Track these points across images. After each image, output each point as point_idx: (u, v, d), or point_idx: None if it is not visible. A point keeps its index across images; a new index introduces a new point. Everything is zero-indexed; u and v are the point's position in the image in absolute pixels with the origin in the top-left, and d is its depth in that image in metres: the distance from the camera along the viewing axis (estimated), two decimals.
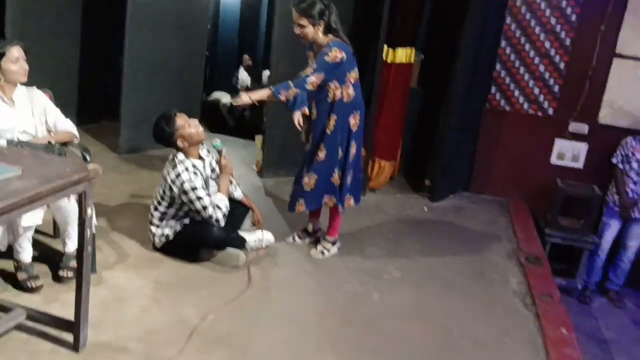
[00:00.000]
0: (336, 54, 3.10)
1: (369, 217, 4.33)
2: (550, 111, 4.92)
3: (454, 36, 4.58)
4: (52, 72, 4.76)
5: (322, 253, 3.51)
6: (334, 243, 3.56)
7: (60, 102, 3.11)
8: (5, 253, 2.76)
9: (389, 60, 4.61)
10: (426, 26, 4.97)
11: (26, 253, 2.74)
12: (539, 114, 4.95)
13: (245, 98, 3.13)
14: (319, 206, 3.47)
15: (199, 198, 3.05)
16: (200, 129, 3.18)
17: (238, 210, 3.42)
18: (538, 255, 3.96)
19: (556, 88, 4.86)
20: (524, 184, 5.06)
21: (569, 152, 4.94)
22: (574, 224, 4.74)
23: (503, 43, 4.86)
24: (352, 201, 3.48)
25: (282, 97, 3.10)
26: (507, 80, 4.94)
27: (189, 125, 3.11)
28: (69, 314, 2.37)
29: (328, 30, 3.17)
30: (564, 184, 4.75)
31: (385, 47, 4.51)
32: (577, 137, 4.90)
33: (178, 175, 3.05)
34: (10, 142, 2.62)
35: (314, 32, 3.13)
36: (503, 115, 5.03)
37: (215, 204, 3.09)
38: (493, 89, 4.98)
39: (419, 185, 5.07)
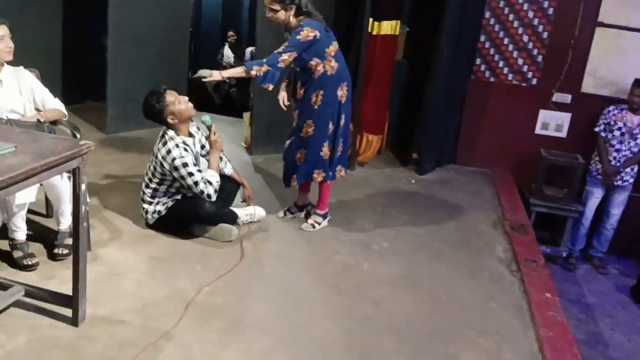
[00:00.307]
0: (308, 33, 3.14)
1: (358, 190, 4.40)
2: (534, 81, 4.99)
3: (438, 8, 4.60)
4: (34, 52, 4.70)
5: (313, 226, 3.58)
6: (324, 216, 3.63)
7: (44, 82, 3.09)
8: (1, 232, 2.79)
9: (374, 33, 4.63)
10: None
11: (21, 232, 2.77)
12: (524, 84, 5.02)
13: (216, 75, 3.21)
14: (309, 180, 3.52)
15: (190, 174, 3.08)
16: (190, 105, 3.20)
17: (229, 186, 3.46)
18: (523, 223, 4.06)
19: (540, 58, 4.92)
20: (509, 155, 5.14)
21: (552, 122, 5.02)
22: (558, 193, 4.85)
23: (487, 14, 4.90)
24: (343, 172, 3.56)
25: (254, 72, 3.13)
26: (492, 51, 4.99)
27: (179, 102, 3.13)
28: (66, 290, 2.42)
29: (299, 13, 3.20)
30: (547, 153, 4.84)
31: (371, 20, 4.52)
32: (560, 107, 4.98)
33: (169, 152, 3.08)
34: None
35: (286, 15, 3.18)
36: (488, 86, 5.08)
37: (206, 180, 3.12)
38: (478, 60, 5.03)
39: (406, 158, 5.13)
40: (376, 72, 4.74)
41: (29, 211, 2.94)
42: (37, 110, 2.92)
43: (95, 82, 5.31)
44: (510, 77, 5.02)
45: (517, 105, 5.06)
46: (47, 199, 3.15)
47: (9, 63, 2.86)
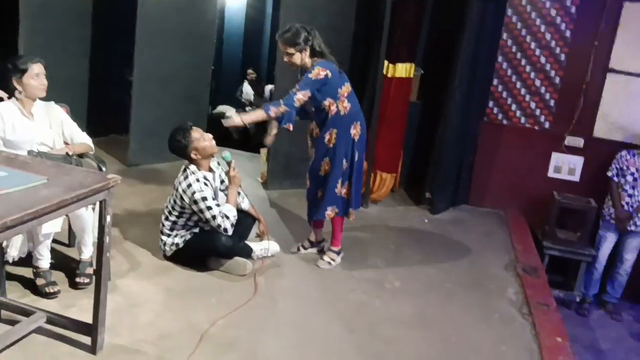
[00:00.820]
0: (319, 72, 3.28)
1: (371, 228, 4.46)
2: (547, 125, 5.07)
3: (451, 52, 4.74)
4: (63, 87, 4.88)
5: (329, 263, 3.64)
6: (338, 253, 3.69)
7: (71, 115, 3.25)
8: (25, 260, 2.89)
9: (389, 75, 4.77)
10: (425, 41, 5.15)
11: (45, 260, 2.87)
12: (536, 127, 5.10)
13: (237, 120, 3.30)
14: (323, 218, 3.59)
15: (208, 208, 3.18)
16: (213, 142, 3.33)
17: (245, 220, 3.55)
18: (535, 266, 4.07)
19: (552, 102, 5.01)
20: (522, 197, 5.19)
21: (565, 165, 5.08)
22: (571, 237, 4.86)
23: (500, 58, 5.02)
24: (353, 215, 3.66)
25: (272, 114, 3.26)
26: (505, 94, 5.10)
27: (203, 139, 3.26)
28: (85, 318, 2.49)
29: (313, 54, 3.35)
30: (560, 196, 4.88)
31: (386, 62, 4.67)
32: (573, 150, 5.04)
33: (189, 186, 3.18)
34: (30, 153, 2.76)
35: (301, 58, 3.33)
36: (501, 129, 5.17)
37: (224, 214, 3.22)
38: (491, 103, 5.14)
39: (420, 197, 5.20)
40: (390, 113, 4.85)
41: (53, 240, 3.04)
42: (66, 143, 3.06)
43: (119, 116, 5.50)
44: (522, 120, 5.11)
45: (529, 147, 5.13)
46: (70, 229, 3.25)
47: (42, 98, 3.02)
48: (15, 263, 2.86)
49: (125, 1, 5.07)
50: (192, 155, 3.26)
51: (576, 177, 5.07)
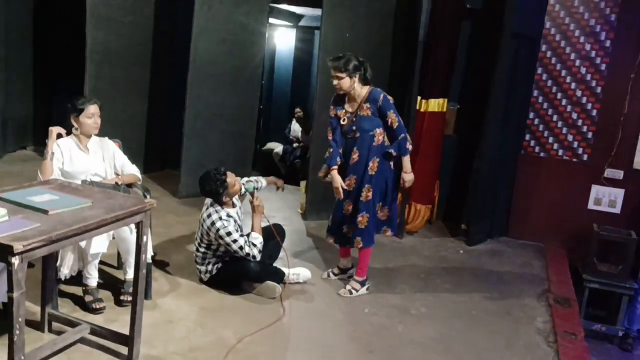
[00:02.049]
0: (391, 98, 3.56)
1: (404, 257, 4.58)
2: (585, 157, 5.05)
3: (487, 85, 4.87)
4: (124, 125, 5.41)
5: (350, 292, 3.74)
6: (362, 283, 3.78)
7: (129, 151, 3.63)
8: (76, 279, 3.22)
9: (422, 110, 4.94)
10: (462, 75, 5.31)
11: (93, 279, 3.19)
12: (574, 160, 5.09)
13: (410, 176, 3.63)
14: (372, 244, 3.70)
15: (234, 241, 3.42)
16: (239, 184, 3.60)
17: (272, 242, 3.75)
18: (568, 296, 4.04)
19: (589, 134, 5.01)
20: (562, 229, 5.15)
21: (605, 198, 5.02)
22: (612, 269, 4.76)
23: (535, 92, 5.10)
24: (389, 232, 3.78)
25: (410, 147, 3.59)
26: (541, 127, 5.14)
27: (234, 184, 3.53)
28: (126, 332, 2.76)
29: (365, 82, 3.57)
30: (600, 229, 4.81)
31: (419, 98, 4.86)
32: (613, 182, 4.98)
33: (212, 224, 3.44)
34: (83, 182, 3.12)
35: (350, 83, 3.54)
36: (539, 161, 5.19)
37: (250, 242, 3.46)
38: (527, 136, 5.19)
39: (456, 229, 5.26)
40: (424, 145, 5.00)
41: (102, 262, 3.38)
42: (117, 174, 3.42)
43: (173, 153, 5.94)
44: (560, 152, 5.12)
45: (568, 180, 5.12)
46: (118, 253, 3.59)
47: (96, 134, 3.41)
48: (67, 281, 3.20)
49: (181, 48, 5.56)
50: (223, 200, 3.53)
51: (617, 209, 5.00)
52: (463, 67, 5.31)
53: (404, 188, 3.75)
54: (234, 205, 3.64)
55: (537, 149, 5.19)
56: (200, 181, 3.53)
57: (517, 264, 4.71)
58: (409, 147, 3.57)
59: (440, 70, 4.98)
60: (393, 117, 3.53)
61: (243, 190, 3.68)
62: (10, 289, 2.02)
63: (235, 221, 3.54)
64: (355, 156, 3.62)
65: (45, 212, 2.27)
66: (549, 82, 5.07)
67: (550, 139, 5.13)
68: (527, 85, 5.04)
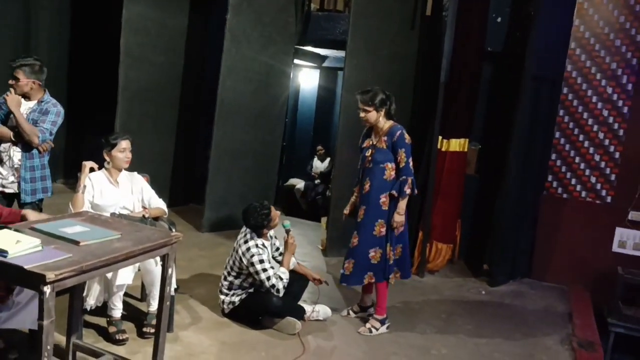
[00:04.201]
0: (409, 137, 3.60)
1: (425, 297, 4.55)
2: (609, 199, 5.02)
3: (508, 126, 4.91)
4: (151, 161, 5.57)
5: (370, 331, 3.73)
6: (382, 322, 3.77)
7: (156, 186, 3.74)
8: (101, 310, 3.29)
9: (443, 149, 4.99)
10: (483, 115, 5.37)
11: (117, 310, 3.25)
12: (597, 201, 5.06)
13: (400, 218, 3.58)
14: (383, 280, 3.68)
15: (264, 270, 3.48)
16: (279, 218, 3.70)
17: (299, 282, 3.80)
18: (592, 340, 3.96)
19: (612, 177, 4.99)
20: (586, 272, 5.08)
21: (630, 240, 4.95)
22: (638, 314, 4.65)
23: (557, 134, 5.12)
24: (399, 274, 3.75)
25: (409, 191, 3.57)
26: (564, 169, 5.14)
27: (275, 218, 3.65)
28: None
29: (389, 117, 3.66)
30: (625, 272, 4.73)
31: (440, 138, 4.92)
32: (637, 225, 4.92)
33: (248, 249, 3.52)
34: (112, 214, 3.22)
35: (377, 117, 3.63)
36: (561, 203, 5.17)
37: (278, 275, 3.51)
38: (550, 177, 5.18)
39: (478, 269, 5.22)
40: (446, 185, 5.04)
41: (126, 294, 3.45)
42: (144, 207, 3.52)
43: (197, 187, 6.06)
44: (583, 194, 5.10)
45: (592, 222, 5.07)
46: (142, 285, 3.65)
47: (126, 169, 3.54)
48: (92, 312, 3.27)
49: (209, 87, 5.75)
50: (263, 231, 3.62)
51: None
52: (484, 108, 5.39)
53: (393, 229, 3.63)
54: (269, 239, 3.72)
55: (559, 190, 5.18)
56: (245, 214, 3.62)
57: (540, 306, 4.64)
58: (407, 190, 3.55)
59: (462, 110, 5.06)
60: (402, 156, 3.57)
61: (282, 224, 3.73)
62: (40, 317, 2.09)
63: (267, 253, 3.61)
64: (367, 186, 3.66)
65: (76, 243, 2.35)
66: (571, 124, 5.10)
67: (573, 181, 5.12)
68: (548, 126, 5.07)
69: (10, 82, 3.52)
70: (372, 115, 3.62)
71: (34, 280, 2.04)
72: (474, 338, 3.89)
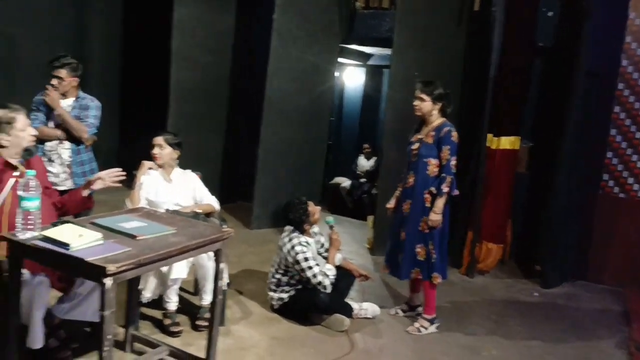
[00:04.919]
0: (457, 136, 3.53)
1: (474, 297, 4.48)
2: None
3: (560, 123, 4.78)
4: (201, 159, 5.68)
5: (419, 330, 3.70)
6: (431, 321, 3.73)
7: (206, 183, 3.82)
8: (156, 302, 3.40)
9: (493, 147, 4.90)
10: (534, 112, 5.23)
11: (172, 303, 3.35)
12: None
13: (437, 217, 3.51)
14: (428, 278, 3.64)
15: (309, 267, 3.51)
16: (319, 214, 3.71)
17: (345, 279, 3.82)
18: None
19: None
20: None
21: None
22: None
23: (613, 131, 4.93)
24: (439, 278, 3.65)
25: (446, 190, 3.49)
26: (620, 167, 4.95)
27: (314, 213, 3.67)
28: (202, 356, 2.87)
29: (444, 114, 3.61)
30: None
31: (490, 135, 4.83)
32: None
33: (293, 247, 3.55)
34: (167, 211, 3.31)
35: (431, 108, 3.58)
36: (618, 202, 4.98)
37: (323, 272, 3.53)
38: (606, 176, 5.00)
39: (530, 270, 5.10)
40: (495, 184, 4.94)
41: (181, 289, 3.54)
42: (196, 204, 3.61)
43: (245, 185, 6.16)
44: None
45: None
46: (195, 279, 3.75)
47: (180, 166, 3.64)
48: (148, 304, 3.39)
49: (256, 86, 5.83)
50: (305, 227, 3.65)
51: None
52: (535, 105, 5.25)
53: (427, 228, 3.56)
54: (313, 236, 3.75)
55: (615, 189, 4.99)
56: (284, 210, 3.68)
57: (595, 308, 4.49)
58: (445, 189, 3.48)
59: (512, 107, 4.94)
60: (445, 153, 3.51)
61: (325, 221, 3.76)
62: (102, 308, 2.18)
63: (311, 250, 3.63)
64: (411, 180, 3.62)
65: (133, 237, 2.44)
66: (628, 121, 4.90)
67: (630, 179, 4.93)
68: (603, 123, 4.90)
69: (53, 82, 3.57)
70: (426, 106, 3.58)
71: (96, 272, 2.13)
72: (525, 340, 3.80)
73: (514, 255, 5.37)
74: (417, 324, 3.73)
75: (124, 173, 2.93)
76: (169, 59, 5.68)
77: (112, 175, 2.88)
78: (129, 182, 3.31)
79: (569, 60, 4.71)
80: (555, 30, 5.17)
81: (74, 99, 3.68)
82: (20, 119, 2.77)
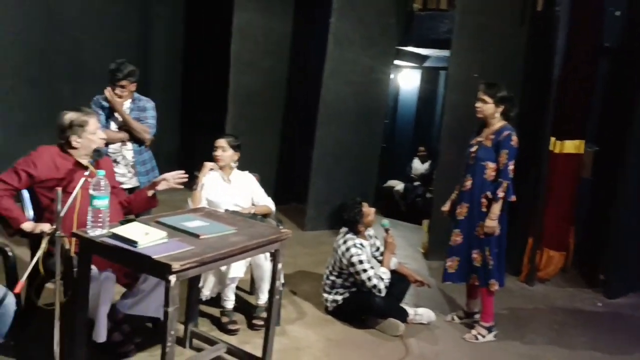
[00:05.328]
0: (517, 140, 3.43)
1: (534, 306, 4.35)
2: None
3: (627, 126, 4.56)
4: (257, 161, 5.76)
5: (476, 337, 3.62)
6: (489, 329, 3.64)
7: (262, 185, 3.89)
8: (215, 300, 3.48)
9: (556, 151, 4.73)
10: (599, 115, 5.03)
11: (230, 301, 3.42)
12: None
13: (492, 224, 3.42)
14: (485, 285, 3.56)
15: (364, 270, 3.51)
16: (373, 215, 3.69)
17: (401, 284, 3.79)
18: None
19: None
20: None
21: None
22: None
23: None
24: (496, 285, 3.55)
25: (502, 195, 3.40)
26: None
27: (369, 214, 3.67)
28: (258, 354, 2.92)
29: (506, 117, 3.52)
30: None
31: (553, 139, 4.67)
32: None
33: (348, 249, 3.56)
34: (226, 211, 3.39)
35: (493, 111, 3.49)
36: None
37: (378, 275, 3.52)
38: None
39: (594, 279, 4.90)
40: (558, 189, 4.77)
41: (237, 287, 3.61)
42: (253, 205, 3.68)
43: (299, 187, 6.22)
44: None
45: None
46: (251, 279, 3.81)
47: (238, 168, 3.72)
48: (207, 302, 3.47)
49: (312, 88, 5.88)
50: (359, 228, 3.65)
51: None
52: (601, 107, 5.04)
53: (483, 233, 3.47)
54: (367, 239, 3.74)
55: None
56: (339, 210, 3.72)
57: None
58: (500, 194, 3.37)
59: (576, 109, 4.76)
60: (503, 157, 3.41)
61: (380, 224, 3.75)
62: (166, 304, 2.24)
63: (366, 252, 3.62)
64: (468, 183, 3.54)
65: (197, 236, 2.51)
66: None
67: None
68: None
69: (117, 91, 3.66)
70: (489, 108, 3.49)
71: (161, 269, 2.20)
72: (588, 350, 3.65)
73: (577, 263, 5.17)
74: (474, 332, 3.65)
75: (186, 175, 3.02)
76: (229, 63, 5.81)
77: (176, 177, 2.98)
78: (189, 183, 3.41)
79: (636, 61, 4.51)
80: (623, 30, 4.95)
81: (130, 100, 3.81)
82: (92, 123, 2.91)
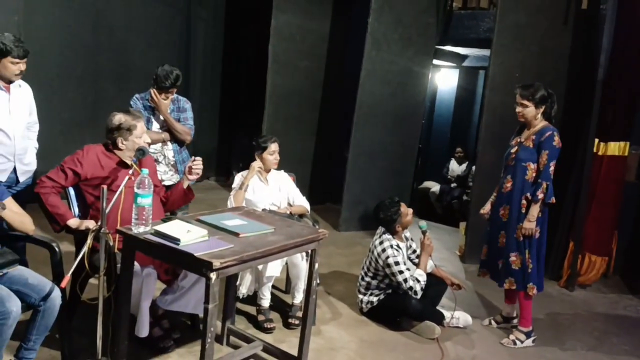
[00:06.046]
0: (559, 141, 3.36)
1: (575, 312, 4.25)
2: None
3: None
4: (293, 161, 5.82)
5: (514, 342, 3.55)
6: (527, 334, 3.57)
7: (297, 185, 3.91)
8: (251, 299, 3.52)
9: (599, 153, 4.61)
10: None
11: (266, 300, 3.46)
12: None
13: (530, 225, 3.38)
14: (523, 289, 3.49)
15: (400, 272, 3.49)
16: (411, 216, 3.67)
17: (437, 286, 3.75)
18: None
19: None
20: None
21: None
22: None
23: None
24: (534, 290, 3.48)
25: (541, 196, 3.34)
26: None
27: (407, 214, 3.64)
28: (294, 353, 2.94)
29: (548, 118, 3.45)
30: None
31: (597, 141, 4.55)
32: None
33: (384, 250, 3.55)
34: (263, 210, 3.43)
35: (535, 113, 3.42)
36: None
37: (414, 277, 3.49)
38: None
39: (637, 285, 4.75)
40: (601, 192, 4.64)
41: (273, 286, 3.65)
42: (289, 204, 3.71)
43: (334, 188, 6.23)
44: None
45: None
46: (287, 278, 3.84)
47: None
48: (244, 300, 3.52)
49: (348, 89, 5.88)
50: (396, 228, 3.64)
51: None
52: None
53: (522, 235, 3.40)
54: (404, 240, 3.72)
55: None
56: (376, 210, 3.68)
57: None
58: (539, 195, 3.31)
59: (621, 111, 4.62)
60: (544, 158, 3.34)
61: (418, 225, 3.72)
62: (206, 301, 2.29)
63: (402, 254, 3.61)
64: (508, 185, 3.48)
65: (236, 234, 2.54)
66: None
67: None
68: None
69: (163, 96, 3.69)
70: (530, 111, 3.42)
71: (202, 266, 2.25)
72: (630, 357, 3.55)
73: (619, 269, 5.02)
74: (512, 337, 3.59)
75: (198, 159, 3.04)
76: (267, 63, 5.86)
77: (195, 163, 3.01)
78: (223, 181, 3.46)
79: None
80: None
81: (170, 101, 3.87)
82: (140, 127, 2.98)
